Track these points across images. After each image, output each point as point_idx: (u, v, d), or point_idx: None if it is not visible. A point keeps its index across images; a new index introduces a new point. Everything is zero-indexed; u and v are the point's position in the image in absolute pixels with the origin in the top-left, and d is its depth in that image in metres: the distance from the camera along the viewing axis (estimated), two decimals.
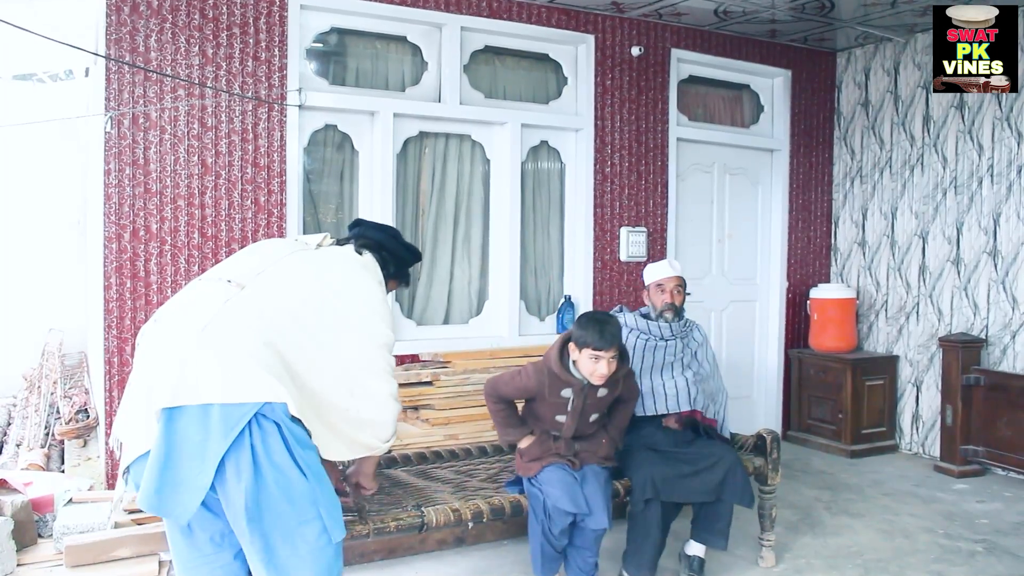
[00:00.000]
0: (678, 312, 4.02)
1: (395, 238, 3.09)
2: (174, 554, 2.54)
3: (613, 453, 3.67)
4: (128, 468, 2.46)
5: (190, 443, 2.29)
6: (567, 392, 3.43)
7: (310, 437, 2.40)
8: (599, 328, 3.30)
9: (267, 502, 2.29)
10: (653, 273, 4.11)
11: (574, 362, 3.40)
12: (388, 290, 2.98)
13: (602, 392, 3.48)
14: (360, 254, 2.90)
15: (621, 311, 4.12)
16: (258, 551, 2.33)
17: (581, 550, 3.50)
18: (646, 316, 4.06)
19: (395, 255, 3.06)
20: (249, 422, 2.28)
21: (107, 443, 4.35)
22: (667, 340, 3.97)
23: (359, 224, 3.12)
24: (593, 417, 3.55)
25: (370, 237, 3.01)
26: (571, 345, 3.39)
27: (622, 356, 3.45)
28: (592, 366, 3.33)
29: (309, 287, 2.64)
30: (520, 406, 3.69)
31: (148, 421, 2.36)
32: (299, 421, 2.36)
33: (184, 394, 2.31)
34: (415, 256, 3.17)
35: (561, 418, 3.49)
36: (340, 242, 2.99)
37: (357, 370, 2.61)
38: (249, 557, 2.39)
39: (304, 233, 4.80)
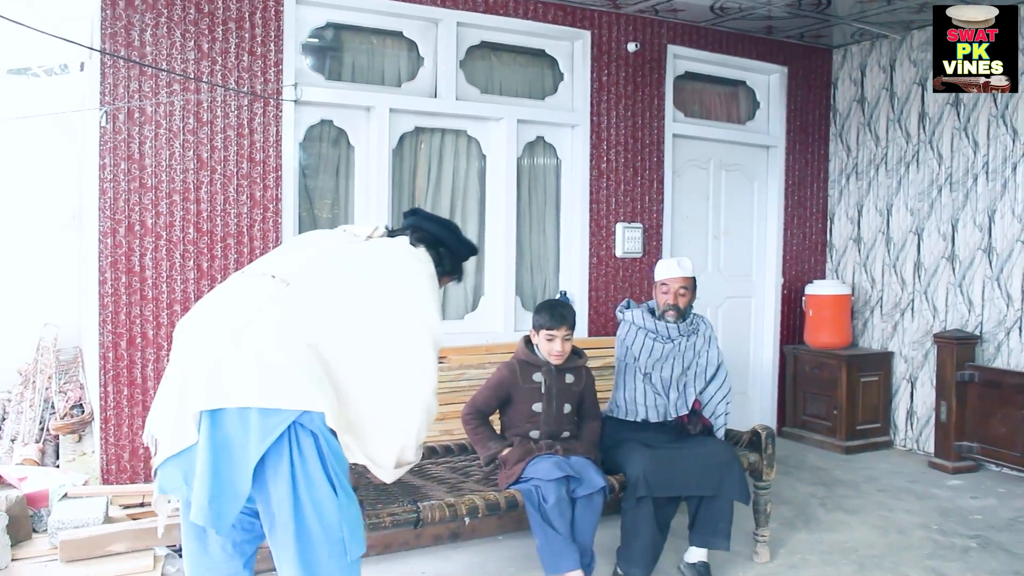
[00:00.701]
0: (681, 314, 4.01)
1: (454, 233, 2.94)
2: (185, 558, 2.52)
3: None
4: (156, 470, 2.42)
5: (233, 448, 2.25)
6: (538, 376, 3.69)
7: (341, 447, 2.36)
8: (549, 310, 3.68)
9: (299, 515, 2.27)
10: (660, 271, 4.09)
11: (536, 346, 3.73)
12: (440, 285, 2.86)
13: (569, 378, 3.73)
14: (415, 247, 2.77)
15: (628, 306, 4.13)
16: (288, 562, 2.31)
17: (580, 535, 3.48)
18: (652, 312, 4.07)
19: (452, 251, 2.91)
20: (287, 430, 2.24)
21: (102, 438, 4.35)
22: (673, 340, 3.99)
23: (415, 213, 2.95)
24: (566, 408, 3.71)
25: (427, 231, 2.85)
26: (532, 331, 3.75)
27: (577, 352, 3.79)
28: (548, 345, 3.66)
29: (357, 283, 2.53)
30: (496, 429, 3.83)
31: (181, 422, 2.31)
32: (335, 432, 2.31)
33: (223, 397, 2.25)
34: (471, 251, 3.01)
35: (538, 407, 3.66)
36: (393, 233, 2.86)
37: (403, 369, 2.49)
38: (278, 566, 2.37)
39: (300, 229, 4.80)
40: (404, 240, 2.79)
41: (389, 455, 2.48)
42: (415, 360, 2.51)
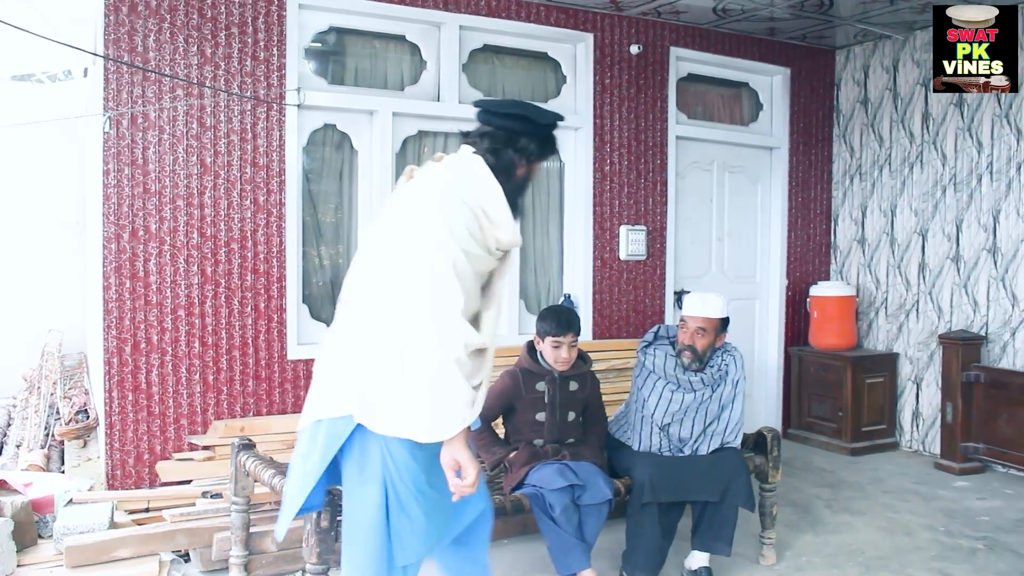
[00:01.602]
0: (698, 356, 3.73)
1: (527, 119, 2.60)
2: None
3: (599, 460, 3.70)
4: None
5: (299, 458, 2.43)
6: (541, 385, 3.62)
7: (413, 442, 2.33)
8: (556, 317, 3.59)
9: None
10: (685, 305, 3.81)
11: (541, 354, 3.65)
12: (534, 170, 2.67)
13: (573, 386, 3.67)
14: (477, 156, 2.56)
15: (655, 338, 3.89)
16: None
17: (583, 537, 3.48)
18: (675, 346, 3.83)
19: (535, 135, 2.61)
20: (355, 435, 2.35)
21: (107, 443, 4.35)
22: (696, 391, 3.75)
23: (483, 110, 2.66)
24: (570, 416, 3.66)
25: (499, 130, 2.58)
26: (536, 338, 3.65)
27: (583, 357, 3.71)
28: (554, 353, 3.57)
29: (377, 264, 2.43)
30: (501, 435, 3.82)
31: None
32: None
33: (304, 417, 2.47)
34: (554, 123, 2.68)
35: (541, 416, 3.61)
36: (467, 137, 2.65)
37: (422, 317, 2.30)
38: None
39: (303, 233, 4.83)
40: (461, 155, 2.60)
41: (420, 412, 2.31)
42: (428, 304, 2.31)
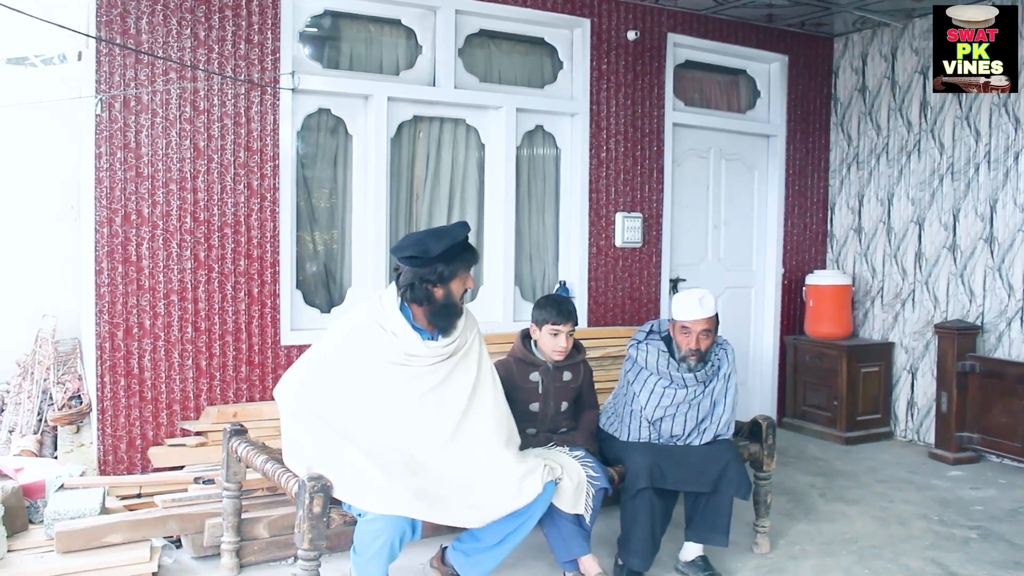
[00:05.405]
0: (703, 357, 3.68)
1: (420, 256, 3.12)
2: None
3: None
4: None
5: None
6: (535, 375, 3.62)
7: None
8: (556, 306, 3.59)
9: None
10: (679, 310, 3.66)
11: (535, 343, 3.65)
12: (455, 282, 3.17)
13: (566, 376, 3.67)
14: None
15: (648, 335, 3.82)
16: None
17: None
18: (668, 342, 3.77)
19: (437, 262, 3.11)
20: None
21: (100, 428, 4.33)
22: (689, 387, 3.70)
23: (392, 253, 3.37)
24: (563, 406, 3.68)
25: (406, 267, 3.17)
26: (532, 326, 3.66)
27: (577, 347, 3.72)
28: (552, 341, 3.58)
29: None
30: None
31: None
32: None
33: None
34: (450, 246, 3.14)
35: (535, 406, 3.62)
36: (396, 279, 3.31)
37: None
38: None
39: (297, 219, 4.82)
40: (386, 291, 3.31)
41: None
42: None
